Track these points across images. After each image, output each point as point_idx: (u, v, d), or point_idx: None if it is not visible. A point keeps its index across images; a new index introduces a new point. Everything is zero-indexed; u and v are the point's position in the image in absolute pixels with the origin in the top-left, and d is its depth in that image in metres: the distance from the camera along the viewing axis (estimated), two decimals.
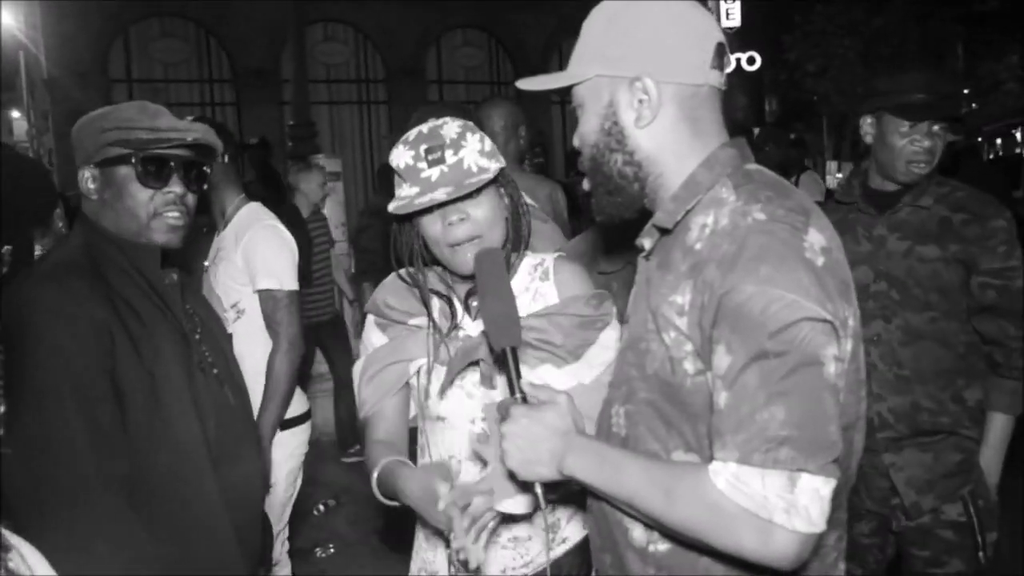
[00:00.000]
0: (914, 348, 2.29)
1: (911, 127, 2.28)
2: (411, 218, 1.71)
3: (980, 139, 18.09)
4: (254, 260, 2.80)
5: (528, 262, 1.80)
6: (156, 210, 1.80)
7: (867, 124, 2.39)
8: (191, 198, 1.86)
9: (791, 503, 1.13)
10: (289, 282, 2.83)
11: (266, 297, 2.80)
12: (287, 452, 2.91)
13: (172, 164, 1.81)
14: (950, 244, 2.28)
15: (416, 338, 1.77)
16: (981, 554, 2.32)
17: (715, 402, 1.20)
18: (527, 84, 1.45)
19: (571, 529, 1.80)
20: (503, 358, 1.45)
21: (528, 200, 3.25)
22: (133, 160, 1.77)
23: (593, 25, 1.37)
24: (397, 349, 1.78)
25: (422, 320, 1.77)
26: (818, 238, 1.22)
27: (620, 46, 1.33)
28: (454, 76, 16.89)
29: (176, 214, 1.83)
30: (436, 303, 1.78)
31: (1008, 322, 2.30)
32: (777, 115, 16.99)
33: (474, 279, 1.62)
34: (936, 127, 2.30)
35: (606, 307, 1.75)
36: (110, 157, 1.78)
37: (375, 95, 16.17)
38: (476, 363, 1.71)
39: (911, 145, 2.29)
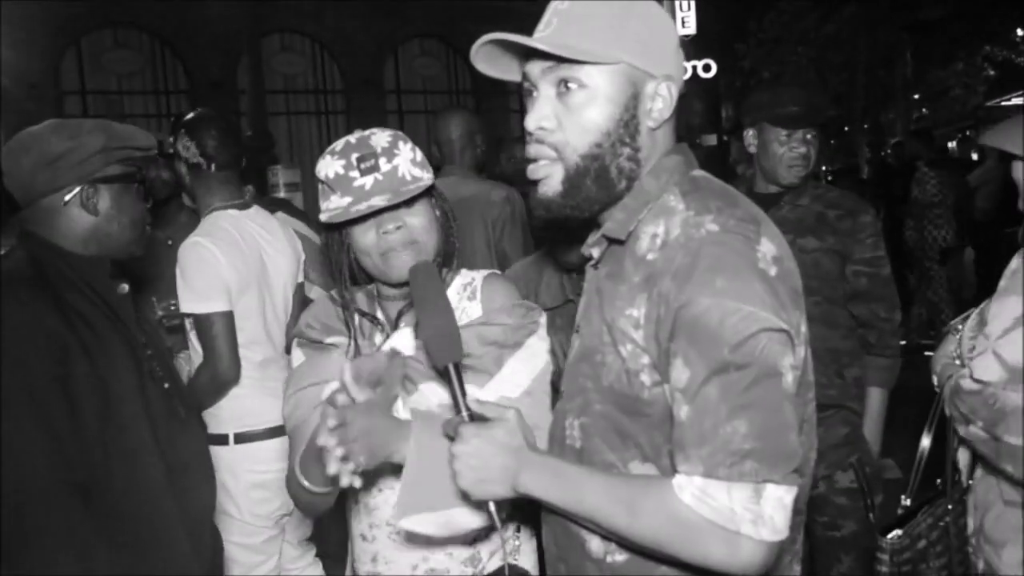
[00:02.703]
0: None
1: (788, 135, 2.56)
2: (340, 230, 1.66)
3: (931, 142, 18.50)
4: (178, 280, 2.70)
5: (459, 281, 1.78)
6: (146, 222, 1.95)
7: (750, 135, 2.65)
8: None
9: (757, 514, 1.14)
10: (213, 304, 2.66)
11: (193, 322, 2.70)
12: (244, 467, 2.84)
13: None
14: (827, 236, 2.57)
15: (331, 357, 1.72)
16: (871, 515, 2.62)
17: (675, 415, 1.20)
18: (514, 39, 1.29)
19: (494, 563, 1.73)
20: (446, 375, 1.40)
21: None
22: (141, 178, 1.91)
23: (606, 9, 1.29)
24: (314, 368, 1.71)
25: (339, 339, 1.73)
26: (770, 247, 1.23)
27: (654, 42, 1.30)
28: (412, 86, 16.89)
29: (150, 222, 1.97)
30: (367, 326, 1.74)
31: (879, 306, 2.62)
32: (733, 121, 17.25)
33: (405, 286, 1.59)
34: (809, 135, 2.58)
35: (532, 315, 1.72)
36: (117, 175, 1.86)
37: (333, 105, 16.11)
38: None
39: (789, 152, 2.56)
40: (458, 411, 1.39)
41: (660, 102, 1.30)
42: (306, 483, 1.58)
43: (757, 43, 16.73)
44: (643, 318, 1.24)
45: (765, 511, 1.14)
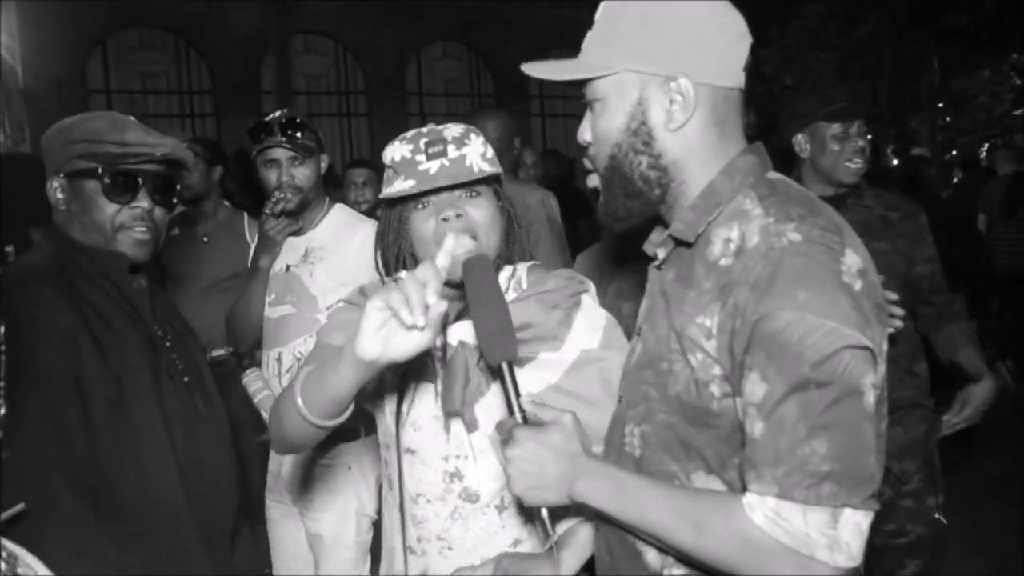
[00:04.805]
0: None
1: (844, 130, 2.55)
2: (401, 214, 1.62)
3: (955, 151, 18.31)
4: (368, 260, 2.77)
5: (503, 274, 1.72)
6: (122, 224, 1.81)
7: (802, 141, 2.62)
8: (159, 212, 1.86)
9: (833, 539, 1.10)
10: None
11: None
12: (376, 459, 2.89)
13: (140, 179, 1.82)
14: (896, 239, 2.58)
15: None
16: (939, 515, 2.63)
17: (747, 431, 1.15)
18: (536, 70, 1.30)
19: None
20: (499, 374, 1.35)
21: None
22: (100, 174, 1.78)
23: (619, 15, 1.26)
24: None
25: None
26: (854, 260, 1.16)
27: (656, 42, 1.23)
28: (434, 89, 16.91)
29: (143, 229, 1.83)
30: None
31: (935, 295, 2.68)
32: (755, 128, 17.18)
33: (462, 288, 1.50)
34: (863, 127, 2.58)
35: (576, 277, 1.69)
36: (78, 169, 1.79)
37: (355, 107, 16.15)
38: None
39: (849, 146, 2.55)
40: (511, 413, 1.34)
41: (678, 101, 1.23)
42: (300, 402, 1.42)
43: (780, 50, 16.63)
44: (716, 328, 1.18)
45: (842, 536, 1.10)
